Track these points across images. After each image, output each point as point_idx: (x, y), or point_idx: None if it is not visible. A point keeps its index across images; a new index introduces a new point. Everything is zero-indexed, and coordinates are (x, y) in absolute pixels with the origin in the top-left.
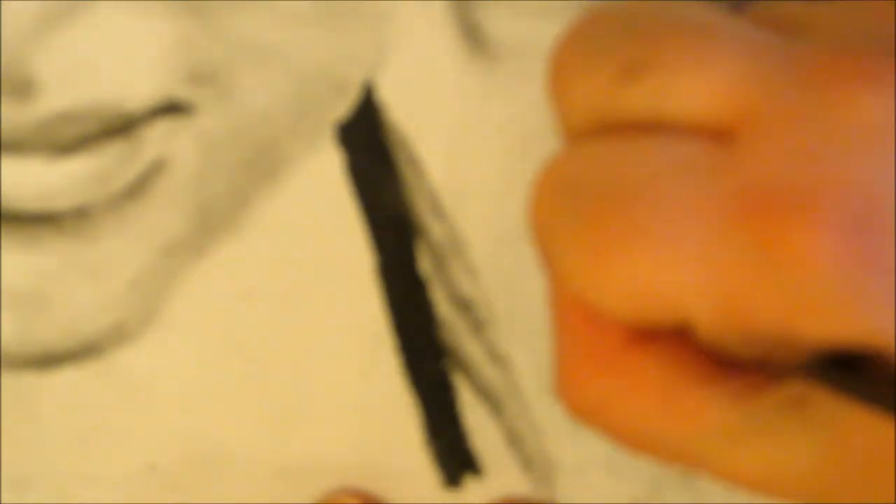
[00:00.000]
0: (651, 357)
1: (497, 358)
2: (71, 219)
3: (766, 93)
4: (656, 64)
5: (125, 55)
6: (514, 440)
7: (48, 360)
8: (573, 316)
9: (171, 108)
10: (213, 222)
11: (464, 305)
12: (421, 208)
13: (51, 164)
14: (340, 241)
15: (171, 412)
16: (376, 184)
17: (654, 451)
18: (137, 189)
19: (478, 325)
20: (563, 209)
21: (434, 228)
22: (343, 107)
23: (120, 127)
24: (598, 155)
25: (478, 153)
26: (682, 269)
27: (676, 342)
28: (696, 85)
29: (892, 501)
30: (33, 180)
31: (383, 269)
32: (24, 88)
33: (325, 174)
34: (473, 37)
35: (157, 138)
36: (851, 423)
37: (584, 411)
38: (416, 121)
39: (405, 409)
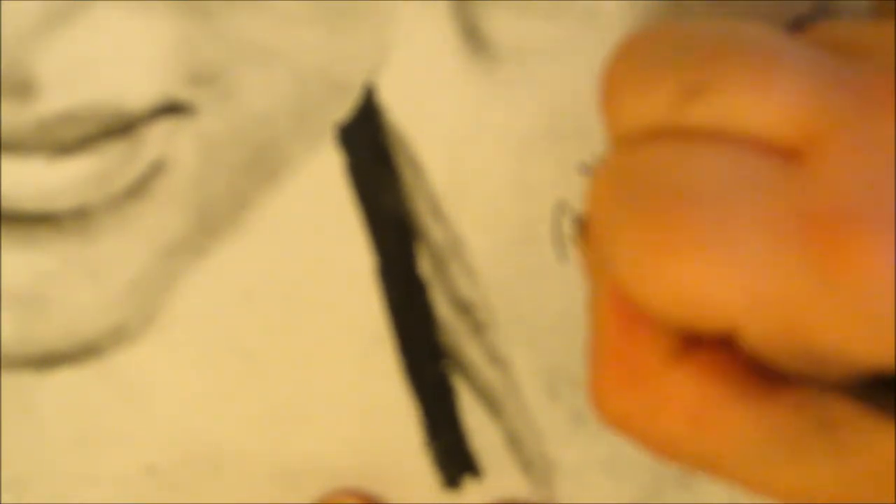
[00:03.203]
0: (686, 374)
1: (497, 360)
2: (71, 219)
3: (830, 117)
4: (720, 83)
5: (125, 55)
6: (514, 442)
7: (48, 361)
8: (614, 323)
9: (172, 109)
10: (213, 223)
11: (463, 307)
12: (421, 210)
13: (51, 164)
14: (340, 242)
15: (171, 413)
16: (376, 185)
17: (681, 461)
18: (137, 189)
19: (477, 327)
20: (621, 205)
21: (434, 230)
22: (343, 108)
23: (120, 127)
24: (661, 154)
25: (478, 155)
26: (739, 279)
27: (716, 351)
28: (761, 105)
29: None
30: (33, 180)
31: (383, 270)
32: (24, 89)
33: (326, 175)
34: (474, 38)
35: (158, 139)
36: (881, 449)
37: (613, 420)
38: (416, 122)
39: (405, 410)
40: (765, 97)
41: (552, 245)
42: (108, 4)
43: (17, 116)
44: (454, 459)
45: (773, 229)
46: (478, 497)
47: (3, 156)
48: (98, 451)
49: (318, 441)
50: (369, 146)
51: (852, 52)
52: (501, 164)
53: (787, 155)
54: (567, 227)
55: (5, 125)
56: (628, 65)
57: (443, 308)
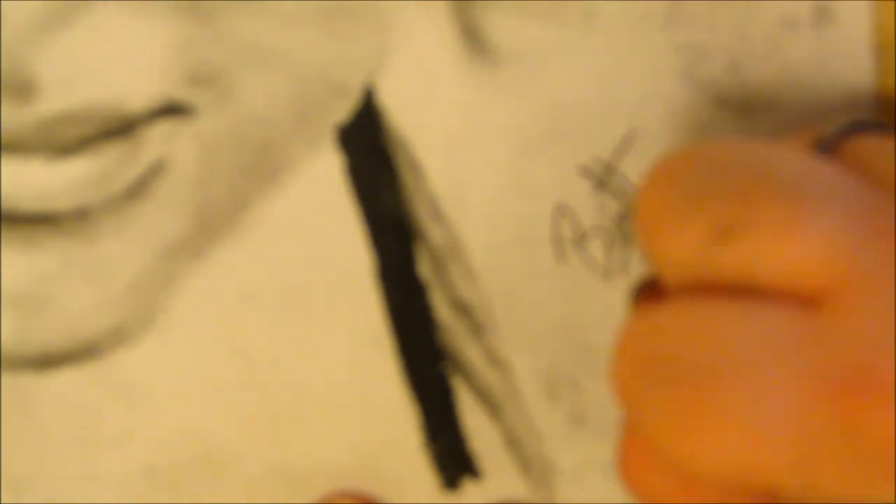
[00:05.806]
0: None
1: (496, 361)
2: (71, 219)
3: (853, 264)
4: (749, 227)
5: (126, 56)
6: (513, 443)
7: (47, 361)
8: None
9: (172, 110)
10: (212, 224)
11: (463, 309)
12: (420, 212)
13: (51, 164)
14: (340, 243)
15: (170, 413)
16: (376, 187)
17: None
18: (137, 190)
19: (477, 329)
20: (651, 375)
21: (433, 232)
22: (343, 110)
23: (120, 128)
24: (689, 320)
25: (478, 157)
26: (773, 444)
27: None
28: (788, 251)
29: None
30: (33, 181)
31: (383, 272)
32: (24, 89)
33: (325, 177)
34: (474, 40)
35: (158, 140)
36: None
37: (637, 492)
38: (415, 124)
39: (404, 411)
40: (790, 242)
41: (551, 247)
42: (109, 5)
43: (17, 116)
44: (453, 460)
45: (797, 391)
46: (477, 498)
47: (3, 156)
48: (98, 451)
49: (317, 441)
50: (369, 148)
51: (882, 177)
52: (501, 166)
53: (808, 302)
54: (566, 229)
55: (5, 125)
56: (661, 196)
57: (442, 309)
